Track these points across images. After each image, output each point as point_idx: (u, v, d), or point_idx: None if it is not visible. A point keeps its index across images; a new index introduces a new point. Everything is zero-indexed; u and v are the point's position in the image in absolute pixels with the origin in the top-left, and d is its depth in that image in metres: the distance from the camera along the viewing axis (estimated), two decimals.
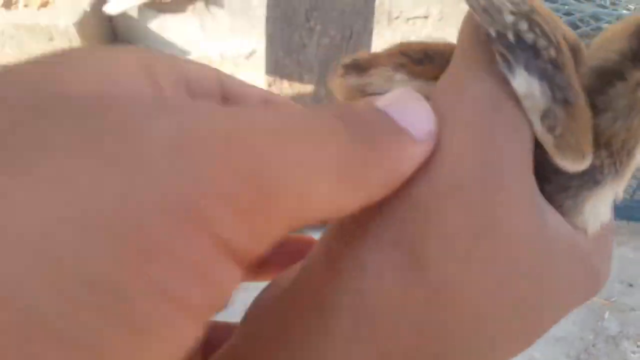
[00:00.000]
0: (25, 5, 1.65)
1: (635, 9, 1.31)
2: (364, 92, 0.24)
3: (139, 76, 0.16)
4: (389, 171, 0.15)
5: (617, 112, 0.19)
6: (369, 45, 1.18)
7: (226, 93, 0.20)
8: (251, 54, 1.81)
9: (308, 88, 1.18)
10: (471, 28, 0.19)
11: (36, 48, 1.67)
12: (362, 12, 1.17)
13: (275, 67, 1.17)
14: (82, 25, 1.63)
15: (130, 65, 0.16)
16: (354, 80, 0.25)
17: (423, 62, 0.23)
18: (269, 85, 1.18)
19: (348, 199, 0.15)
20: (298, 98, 1.19)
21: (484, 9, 0.18)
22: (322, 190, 0.14)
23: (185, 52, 1.84)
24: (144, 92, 0.16)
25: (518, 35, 0.17)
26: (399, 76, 0.23)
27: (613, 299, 1.24)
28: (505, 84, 0.17)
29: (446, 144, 0.16)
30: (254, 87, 0.22)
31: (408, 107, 0.17)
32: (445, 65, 0.21)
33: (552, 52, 0.17)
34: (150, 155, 0.11)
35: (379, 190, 0.15)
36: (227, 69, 1.77)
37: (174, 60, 0.18)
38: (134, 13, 1.76)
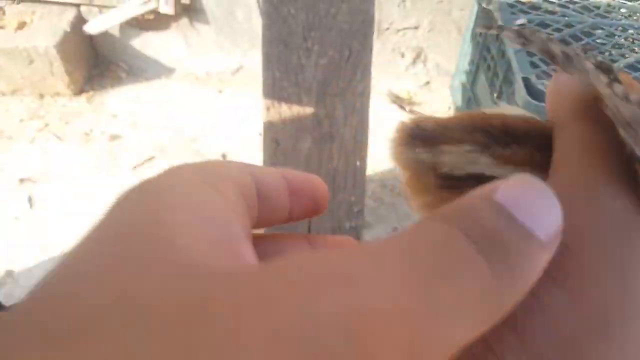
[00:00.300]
0: (1, 27, 1.57)
1: (629, 14, 1.31)
2: (436, 170, 0.21)
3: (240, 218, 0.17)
4: (521, 288, 0.14)
5: None
6: (369, 63, 1.15)
7: (291, 189, 0.21)
8: (237, 69, 1.76)
9: (307, 110, 1.14)
10: (592, 130, 0.17)
11: (15, 71, 1.59)
12: (361, 30, 1.13)
13: (272, 89, 1.13)
14: (62, 46, 1.56)
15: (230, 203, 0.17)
16: (423, 155, 0.21)
17: (510, 145, 0.20)
18: (267, 108, 1.14)
19: (481, 330, 0.13)
20: (297, 121, 1.15)
21: (627, 123, 0.16)
22: (463, 332, 0.13)
23: (169, 70, 1.78)
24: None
25: None
26: (485, 160, 0.20)
27: None
28: None
29: (590, 274, 0.15)
30: (312, 177, 0.22)
31: (536, 204, 0.14)
32: (534, 151, 0.20)
33: None
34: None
35: (509, 310, 0.14)
36: (213, 85, 1.72)
37: (247, 168, 0.19)
38: (116, 31, 1.70)
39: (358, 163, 1.20)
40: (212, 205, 0.16)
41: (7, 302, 1.08)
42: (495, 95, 1.29)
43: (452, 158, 0.21)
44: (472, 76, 1.52)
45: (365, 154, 1.21)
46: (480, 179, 0.20)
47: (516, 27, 0.19)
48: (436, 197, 0.22)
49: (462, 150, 0.21)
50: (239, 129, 1.57)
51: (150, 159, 1.47)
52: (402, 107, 1.66)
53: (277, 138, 1.16)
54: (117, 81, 1.74)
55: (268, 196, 0.20)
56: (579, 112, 0.18)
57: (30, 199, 1.36)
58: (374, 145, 1.55)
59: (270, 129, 1.15)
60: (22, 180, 1.41)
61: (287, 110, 1.15)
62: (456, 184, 0.21)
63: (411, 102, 1.69)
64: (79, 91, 1.70)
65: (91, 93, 1.70)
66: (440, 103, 1.70)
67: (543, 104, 1.09)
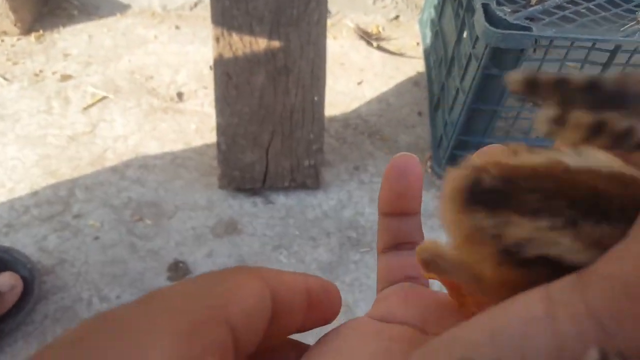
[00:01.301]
0: None
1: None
2: (499, 242, 0.17)
3: None
4: None
5: None
6: None
7: (309, 302, 0.21)
8: (196, 4, 1.67)
9: (260, 41, 1.08)
10: None
11: None
12: None
13: (222, 18, 1.06)
14: None
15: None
16: (483, 221, 0.17)
17: (601, 222, 0.15)
18: (217, 39, 1.07)
19: None
20: (249, 52, 1.08)
21: None
22: None
23: (124, 6, 1.68)
24: None
25: None
26: (567, 241, 0.15)
27: None
28: None
29: None
30: (330, 287, 0.22)
31: None
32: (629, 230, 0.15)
33: None
34: None
35: None
36: (170, 21, 1.63)
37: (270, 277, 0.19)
38: None
39: (316, 98, 1.15)
40: None
41: None
42: (458, 26, 1.23)
43: (524, 233, 0.16)
44: (440, 8, 1.45)
45: (323, 89, 1.16)
46: (553, 262, 0.16)
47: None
48: (494, 273, 0.17)
49: (538, 226, 0.16)
50: (196, 66, 1.49)
51: (102, 99, 1.40)
52: (369, 43, 1.60)
53: (228, 71, 1.10)
54: (69, 19, 1.65)
55: (283, 314, 0.19)
56: None
57: None
58: (338, 82, 1.49)
59: (221, 61, 1.09)
60: None
61: (239, 42, 1.08)
62: (522, 262, 0.16)
63: (379, 37, 1.62)
64: (28, 30, 1.60)
65: (41, 32, 1.60)
66: (409, 38, 1.63)
67: (501, 31, 1.03)
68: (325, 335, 0.22)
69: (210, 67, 1.33)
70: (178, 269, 1.08)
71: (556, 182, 0.16)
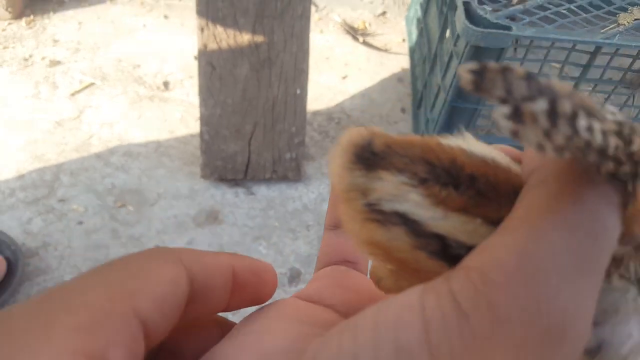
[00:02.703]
0: None
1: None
2: (365, 195, 0.19)
3: None
4: None
5: None
6: None
7: (235, 282, 0.21)
8: None
9: (244, 33, 1.09)
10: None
11: None
12: None
13: (206, 8, 1.07)
14: None
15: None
16: (359, 178, 0.19)
17: (449, 186, 0.18)
18: (202, 29, 1.08)
19: None
20: (233, 44, 1.10)
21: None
22: None
23: None
24: None
25: None
26: (415, 197, 0.18)
27: None
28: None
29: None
30: (262, 269, 0.22)
31: None
32: (478, 200, 0.18)
33: None
34: None
35: None
36: (159, 11, 1.64)
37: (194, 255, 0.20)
38: None
39: (298, 91, 1.17)
40: None
41: None
42: (441, 22, 1.25)
43: (384, 187, 0.19)
44: (425, 6, 1.47)
45: (306, 82, 1.18)
46: (405, 219, 0.19)
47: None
48: (363, 228, 0.20)
49: (396, 181, 0.19)
50: (183, 56, 1.51)
51: (90, 85, 1.42)
52: (355, 38, 1.61)
53: (212, 62, 1.12)
54: (60, 5, 1.65)
55: (202, 296, 0.20)
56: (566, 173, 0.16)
57: None
58: (323, 76, 1.51)
59: (206, 52, 1.11)
60: None
61: (223, 33, 1.10)
62: (381, 218, 0.19)
63: (365, 33, 1.64)
64: (19, 15, 1.61)
65: (32, 17, 1.61)
66: (395, 34, 1.65)
67: (482, 29, 1.04)
68: (250, 315, 0.22)
69: (195, 57, 1.34)
70: None
71: (424, 151, 0.19)
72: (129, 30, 1.58)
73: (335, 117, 1.41)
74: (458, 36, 1.13)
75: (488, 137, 1.30)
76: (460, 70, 0.15)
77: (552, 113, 0.14)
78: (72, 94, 1.39)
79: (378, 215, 0.19)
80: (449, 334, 0.14)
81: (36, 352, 0.14)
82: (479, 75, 0.15)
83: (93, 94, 1.39)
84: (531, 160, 0.18)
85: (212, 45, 1.10)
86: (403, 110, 1.45)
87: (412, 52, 1.56)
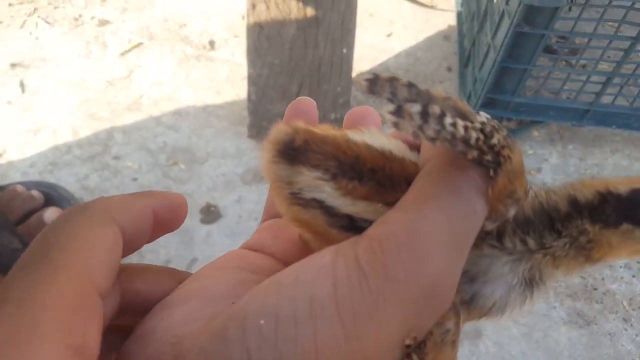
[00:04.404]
0: None
1: None
2: (290, 186, 0.24)
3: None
4: None
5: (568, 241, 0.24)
6: None
7: (155, 221, 0.24)
8: None
9: (306, 9, 1.09)
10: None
11: None
12: None
13: None
14: None
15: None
16: (282, 171, 0.24)
17: (354, 179, 0.23)
18: (253, 5, 1.08)
19: None
20: (281, 4, 1.10)
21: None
22: None
23: None
24: None
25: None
26: (328, 189, 0.24)
27: None
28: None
29: None
30: (178, 204, 0.25)
31: None
32: (378, 188, 0.23)
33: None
34: None
35: None
36: None
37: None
38: None
39: (345, 51, 1.17)
40: None
41: (1, 182, 1.13)
42: None
43: (304, 180, 0.24)
44: None
45: (352, 42, 1.17)
46: (321, 204, 0.24)
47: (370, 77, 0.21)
48: (289, 209, 0.25)
49: (312, 176, 0.24)
50: (228, 15, 1.51)
51: (138, 45, 1.44)
52: None
53: (260, 22, 1.12)
54: None
55: (133, 242, 0.23)
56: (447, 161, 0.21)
57: (22, 84, 1.37)
58: (367, 34, 1.49)
59: (253, 12, 1.11)
60: (13, 65, 1.41)
61: (275, 8, 1.10)
62: (303, 202, 0.24)
63: None
64: None
65: None
66: None
67: None
68: (204, 266, 0.26)
69: (243, 16, 1.35)
70: (210, 212, 1.15)
71: (336, 148, 0.24)
72: None
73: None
74: None
75: (536, 98, 1.27)
76: (358, 78, 0.23)
77: (424, 113, 0.19)
78: (122, 54, 1.43)
79: (300, 200, 0.24)
80: (352, 290, 0.18)
81: (32, 357, 0.16)
82: (373, 82, 0.20)
83: (142, 53, 1.42)
84: (425, 153, 0.23)
85: (261, 6, 1.10)
86: (449, 69, 1.43)
87: (459, 8, 1.52)
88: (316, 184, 0.23)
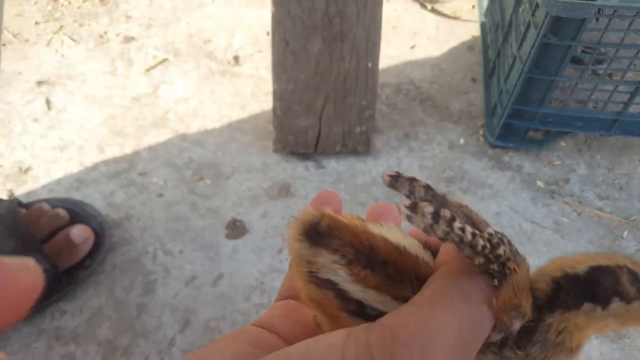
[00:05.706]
0: None
1: None
2: (309, 265, 0.26)
3: None
4: None
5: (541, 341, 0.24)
6: None
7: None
8: None
9: (317, 7, 1.09)
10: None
11: None
12: None
13: None
14: None
15: None
16: (304, 249, 0.26)
17: (367, 268, 0.25)
18: (276, 5, 1.09)
19: None
20: (307, 19, 1.10)
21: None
22: None
23: None
24: None
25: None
26: (343, 274, 0.25)
27: (632, 218, 1.21)
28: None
29: None
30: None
31: None
32: (388, 280, 0.25)
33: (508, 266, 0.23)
34: None
35: None
36: None
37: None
38: None
39: (370, 64, 1.17)
40: None
41: (27, 200, 1.14)
42: None
43: (322, 262, 0.26)
44: None
45: (377, 55, 1.17)
46: (335, 286, 0.26)
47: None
48: (305, 286, 0.27)
49: (330, 259, 0.25)
50: (252, 30, 1.52)
51: (163, 61, 1.46)
52: (423, 5, 1.57)
53: (285, 37, 1.12)
54: None
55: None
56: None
57: (47, 101, 1.39)
58: (390, 46, 1.49)
59: (279, 28, 1.12)
60: (39, 83, 1.43)
61: (297, 8, 1.10)
62: (319, 282, 0.26)
63: (433, 0, 1.59)
64: None
65: None
66: (465, 1, 1.59)
67: (563, 0, 0.99)
68: (218, 339, 0.28)
69: (268, 32, 1.35)
70: (236, 227, 1.15)
71: (354, 236, 0.26)
72: (198, 5, 1.60)
73: (404, 88, 1.39)
74: (537, 5, 1.08)
75: (563, 109, 1.25)
76: (383, 174, 0.25)
77: (435, 214, 0.22)
78: (147, 70, 1.44)
79: (316, 279, 0.26)
80: None
81: None
82: (394, 179, 0.24)
83: (167, 69, 1.44)
84: (444, 256, 0.25)
85: (286, 21, 1.10)
86: (474, 80, 1.42)
87: (483, 19, 1.51)
88: (332, 267, 0.25)
